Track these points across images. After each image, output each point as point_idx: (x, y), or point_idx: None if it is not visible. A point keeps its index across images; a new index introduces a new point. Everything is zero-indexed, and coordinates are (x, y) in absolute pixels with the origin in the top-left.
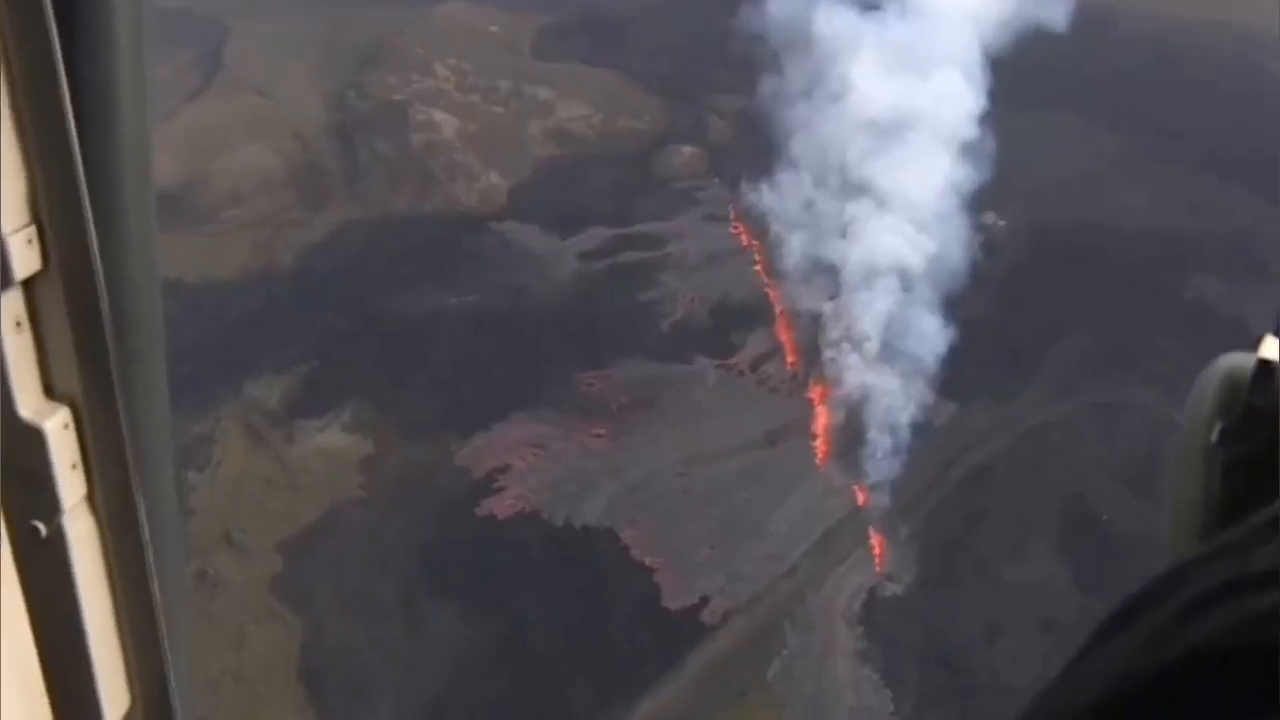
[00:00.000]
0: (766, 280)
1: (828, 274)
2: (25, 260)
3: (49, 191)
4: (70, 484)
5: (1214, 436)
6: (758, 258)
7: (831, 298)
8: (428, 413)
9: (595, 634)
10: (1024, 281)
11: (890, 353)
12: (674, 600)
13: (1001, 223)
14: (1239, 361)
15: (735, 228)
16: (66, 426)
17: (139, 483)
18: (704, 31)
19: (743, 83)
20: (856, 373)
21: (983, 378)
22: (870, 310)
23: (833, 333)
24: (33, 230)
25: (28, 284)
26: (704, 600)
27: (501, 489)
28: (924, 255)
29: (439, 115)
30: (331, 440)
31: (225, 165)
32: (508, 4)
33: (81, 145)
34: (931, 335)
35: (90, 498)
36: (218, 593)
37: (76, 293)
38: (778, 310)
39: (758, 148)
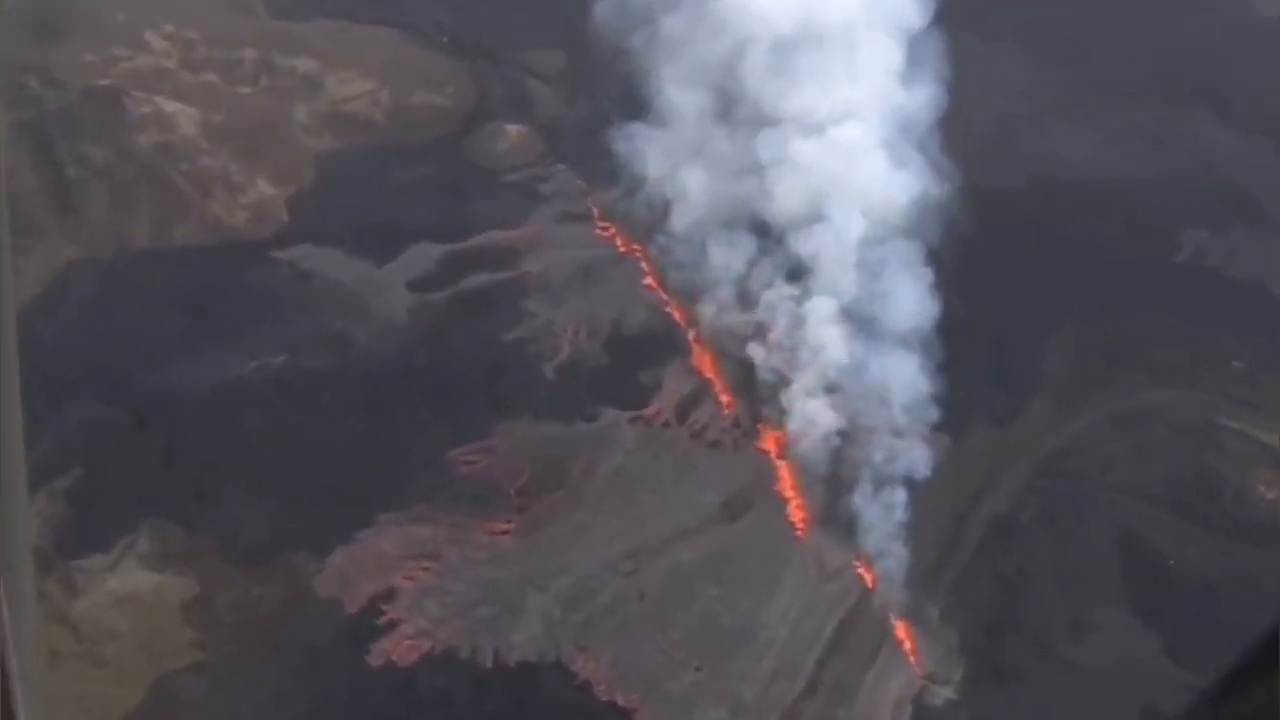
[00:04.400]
0: (665, 295)
1: (739, 267)
2: None
3: None
4: None
5: None
6: (645, 266)
7: (754, 306)
8: (259, 527)
9: None
10: (984, 262)
11: (850, 372)
12: None
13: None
14: None
15: (603, 228)
16: None
17: None
18: None
19: (561, 28)
20: (814, 408)
21: (972, 396)
22: (808, 318)
23: (770, 357)
24: None
25: None
26: None
27: (393, 623)
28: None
29: (168, 104)
30: (131, 582)
31: None
32: None
33: None
34: (897, 340)
35: None
36: None
37: None
38: (690, 336)
39: (602, 113)
